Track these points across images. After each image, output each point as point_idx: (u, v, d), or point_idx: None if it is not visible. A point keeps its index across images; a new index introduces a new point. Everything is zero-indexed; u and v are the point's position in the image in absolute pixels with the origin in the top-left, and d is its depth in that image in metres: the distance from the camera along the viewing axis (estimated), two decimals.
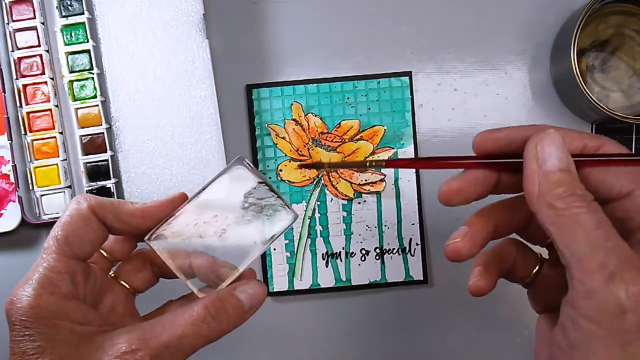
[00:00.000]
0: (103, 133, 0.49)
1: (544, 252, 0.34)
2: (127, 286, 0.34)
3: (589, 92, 0.46)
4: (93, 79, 0.49)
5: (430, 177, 0.52)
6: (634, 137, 0.51)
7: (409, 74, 0.52)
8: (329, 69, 0.52)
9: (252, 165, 0.32)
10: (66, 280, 0.29)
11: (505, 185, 0.31)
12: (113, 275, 0.34)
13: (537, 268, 0.33)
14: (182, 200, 0.32)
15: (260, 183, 0.32)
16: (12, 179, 0.50)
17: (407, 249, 0.52)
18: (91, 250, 0.31)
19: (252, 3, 0.52)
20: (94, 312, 0.30)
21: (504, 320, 0.52)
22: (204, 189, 0.32)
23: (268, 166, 0.52)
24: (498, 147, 0.31)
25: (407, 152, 0.51)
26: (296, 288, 0.52)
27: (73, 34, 0.50)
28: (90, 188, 0.50)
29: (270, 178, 0.52)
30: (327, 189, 0.51)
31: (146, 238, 0.31)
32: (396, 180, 0.51)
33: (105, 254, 0.33)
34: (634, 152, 0.52)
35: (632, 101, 0.51)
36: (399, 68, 0.52)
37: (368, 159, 0.34)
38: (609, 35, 0.51)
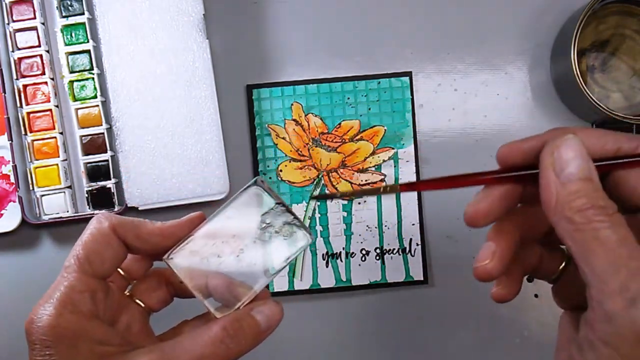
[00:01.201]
0: (103, 133, 0.49)
1: None
2: (142, 305, 0.34)
3: (589, 92, 0.46)
4: (93, 79, 0.49)
5: (430, 176, 0.52)
6: None
7: (409, 74, 0.52)
8: (329, 69, 0.52)
9: (269, 186, 0.33)
10: (87, 298, 0.29)
11: (531, 196, 0.29)
12: (128, 293, 0.34)
13: (563, 264, 0.32)
14: (201, 219, 0.32)
15: (277, 204, 0.32)
16: (12, 179, 0.50)
17: (407, 249, 0.52)
18: (111, 268, 0.31)
19: (252, 3, 0.52)
20: (113, 331, 0.30)
21: (504, 320, 0.52)
22: (221, 209, 0.32)
23: (268, 166, 0.52)
24: (524, 159, 0.29)
25: (407, 152, 0.51)
26: (296, 288, 0.52)
27: (73, 34, 0.50)
28: (90, 188, 0.50)
29: (270, 178, 0.52)
30: (327, 189, 0.51)
31: (164, 257, 0.31)
32: (396, 180, 0.51)
33: (121, 272, 0.33)
34: None
35: (632, 101, 0.51)
36: (399, 68, 0.52)
37: (382, 185, 0.34)
38: (608, 35, 0.51)
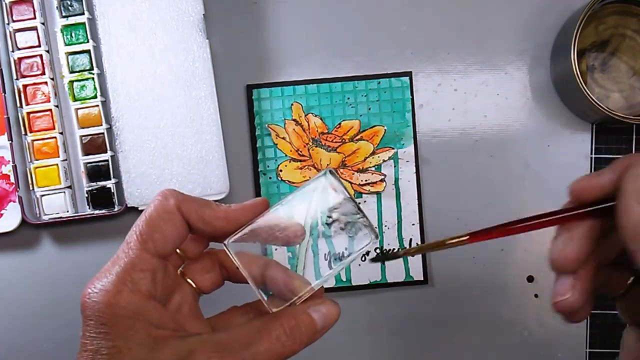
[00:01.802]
0: (103, 133, 0.49)
1: None
2: (194, 285, 0.32)
3: (589, 92, 0.46)
4: (93, 79, 0.49)
5: (430, 176, 0.52)
6: (634, 137, 0.51)
7: (409, 74, 0.52)
8: (329, 69, 0.52)
9: (339, 179, 0.31)
10: (147, 278, 0.28)
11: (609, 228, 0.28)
12: (180, 272, 0.33)
13: (631, 280, 0.31)
14: (265, 206, 0.31)
15: (346, 199, 0.31)
16: (12, 179, 0.50)
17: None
18: (173, 248, 0.30)
19: (252, 3, 0.52)
20: (168, 314, 0.29)
21: (504, 320, 0.52)
22: (287, 198, 0.31)
23: (268, 166, 0.52)
24: (601, 193, 0.27)
25: (407, 151, 0.51)
26: None
27: (73, 34, 0.50)
28: (90, 188, 0.50)
29: (270, 178, 0.52)
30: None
31: (225, 242, 0.30)
32: (396, 180, 0.51)
33: (178, 251, 0.32)
34: (633, 152, 0.52)
35: (632, 101, 0.51)
36: (399, 68, 0.52)
37: (448, 239, 0.30)
38: (608, 35, 0.51)
